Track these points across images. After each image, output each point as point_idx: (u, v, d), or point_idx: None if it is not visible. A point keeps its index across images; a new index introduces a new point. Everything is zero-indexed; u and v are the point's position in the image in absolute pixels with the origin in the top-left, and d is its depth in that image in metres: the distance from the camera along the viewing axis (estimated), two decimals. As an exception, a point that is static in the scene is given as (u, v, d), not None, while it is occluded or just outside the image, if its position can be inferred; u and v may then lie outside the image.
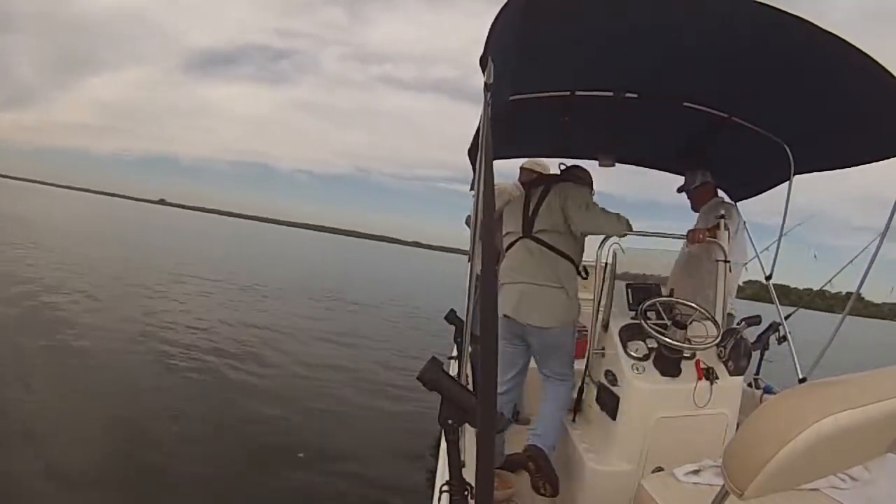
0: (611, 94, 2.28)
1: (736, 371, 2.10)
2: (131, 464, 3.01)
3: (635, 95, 2.28)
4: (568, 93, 2.31)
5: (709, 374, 2.01)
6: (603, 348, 2.21)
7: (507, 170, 3.26)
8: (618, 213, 2.27)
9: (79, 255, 11.82)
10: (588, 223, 2.25)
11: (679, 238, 2.46)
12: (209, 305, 8.52)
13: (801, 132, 2.29)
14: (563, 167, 2.62)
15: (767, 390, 2.60)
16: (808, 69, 1.77)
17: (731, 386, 2.07)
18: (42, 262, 9.66)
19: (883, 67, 1.58)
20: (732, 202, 2.92)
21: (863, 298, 2.31)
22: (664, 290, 2.42)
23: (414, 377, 1.10)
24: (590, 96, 2.32)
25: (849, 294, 2.35)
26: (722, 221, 2.39)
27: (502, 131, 1.44)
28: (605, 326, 2.22)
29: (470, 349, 1.58)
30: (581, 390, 2.34)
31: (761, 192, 2.92)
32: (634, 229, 2.29)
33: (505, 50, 1.40)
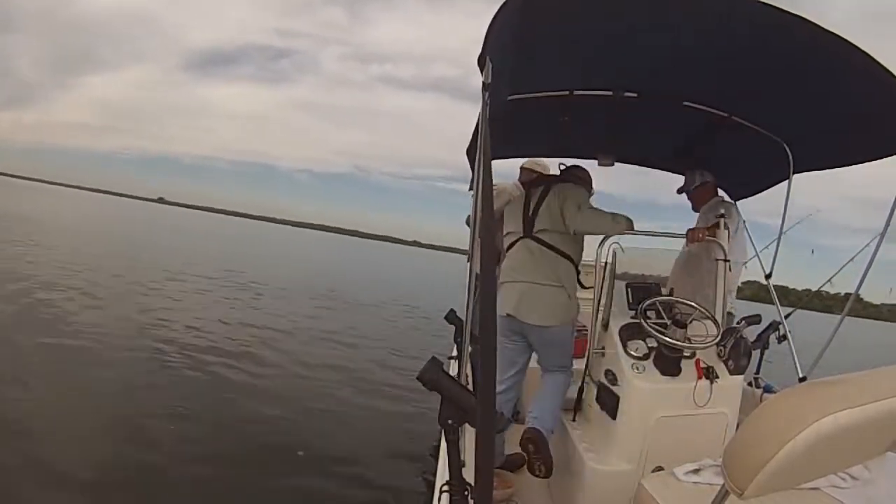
0: (610, 93, 2.28)
1: (736, 370, 2.10)
2: (129, 463, 2.99)
3: (634, 95, 2.28)
4: (567, 92, 2.31)
5: (709, 374, 2.00)
6: (603, 348, 2.21)
7: (507, 170, 3.27)
8: (614, 213, 2.29)
9: (71, 251, 11.83)
10: (581, 223, 2.29)
11: (679, 237, 2.46)
12: (207, 304, 8.50)
13: (801, 131, 2.29)
14: (562, 167, 2.64)
15: (767, 389, 2.60)
16: (810, 69, 1.77)
17: (731, 385, 2.07)
18: (41, 260, 9.66)
19: (884, 67, 1.58)
20: (732, 201, 2.92)
21: (861, 299, 2.31)
22: (664, 290, 2.43)
23: (413, 377, 1.10)
24: (589, 96, 2.32)
25: (847, 295, 2.36)
26: (722, 220, 2.38)
27: (501, 131, 1.44)
28: (605, 326, 2.22)
29: (470, 349, 1.58)
30: (581, 390, 2.34)
31: (761, 191, 2.92)
32: (634, 230, 2.30)
33: (503, 50, 1.40)
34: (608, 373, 2.10)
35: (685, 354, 2.02)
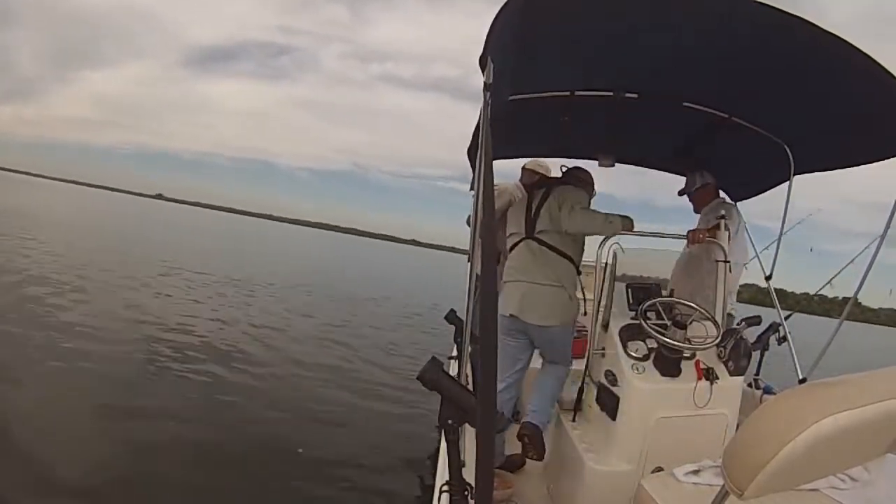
0: (610, 93, 2.29)
1: (736, 371, 2.10)
2: (123, 461, 2.95)
3: (635, 95, 2.28)
4: (567, 93, 2.32)
5: (709, 375, 2.01)
6: (603, 348, 2.21)
7: (508, 170, 3.27)
8: (607, 214, 2.32)
9: (66, 245, 11.82)
10: (572, 224, 2.33)
11: (679, 238, 2.46)
12: (203, 301, 8.47)
13: (802, 133, 2.29)
14: (564, 169, 2.66)
15: (767, 390, 2.61)
16: (810, 70, 1.77)
17: (731, 386, 2.07)
18: (36, 254, 9.65)
19: (885, 69, 1.58)
20: (732, 202, 2.92)
21: (860, 303, 2.32)
22: (664, 291, 2.43)
23: (411, 377, 1.10)
24: (589, 96, 2.32)
25: (845, 299, 2.36)
26: (722, 222, 2.39)
27: (502, 131, 1.44)
28: (605, 326, 2.23)
29: (470, 349, 1.58)
30: (581, 390, 2.34)
31: (761, 192, 2.93)
32: (634, 231, 2.30)
33: (504, 50, 1.40)
34: (608, 373, 2.10)
35: (685, 355, 2.02)
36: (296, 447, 3.54)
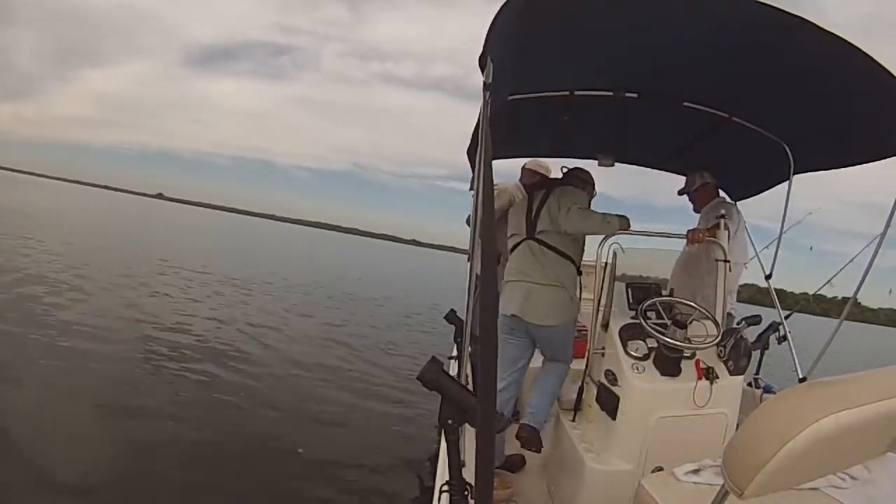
0: (610, 93, 2.29)
1: (736, 371, 2.10)
2: (122, 462, 2.95)
3: (635, 95, 2.29)
4: (567, 92, 2.32)
5: (709, 374, 2.01)
6: (603, 348, 2.22)
7: (508, 170, 3.27)
8: (604, 213, 2.32)
9: (66, 245, 11.80)
10: (568, 224, 2.34)
11: (679, 238, 2.47)
12: (202, 301, 8.47)
13: (802, 132, 2.29)
14: (565, 170, 2.67)
15: (767, 390, 2.61)
16: (810, 70, 1.77)
17: (731, 385, 2.07)
18: (35, 254, 9.64)
19: (885, 68, 1.58)
20: (732, 202, 2.92)
21: (859, 303, 2.32)
22: (664, 290, 2.43)
23: (411, 377, 1.10)
24: (589, 96, 2.32)
25: (844, 299, 2.36)
26: (722, 221, 2.39)
27: (502, 131, 1.43)
28: (605, 326, 2.23)
29: (470, 349, 1.58)
30: (581, 390, 2.34)
31: (761, 192, 2.93)
32: (634, 231, 2.30)
33: (504, 49, 1.40)
34: (608, 373, 2.10)
35: (685, 355, 2.02)
36: (296, 447, 3.54)
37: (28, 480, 2.63)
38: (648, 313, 2.11)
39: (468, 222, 2.44)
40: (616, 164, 2.89)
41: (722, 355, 2.11)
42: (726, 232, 2.35)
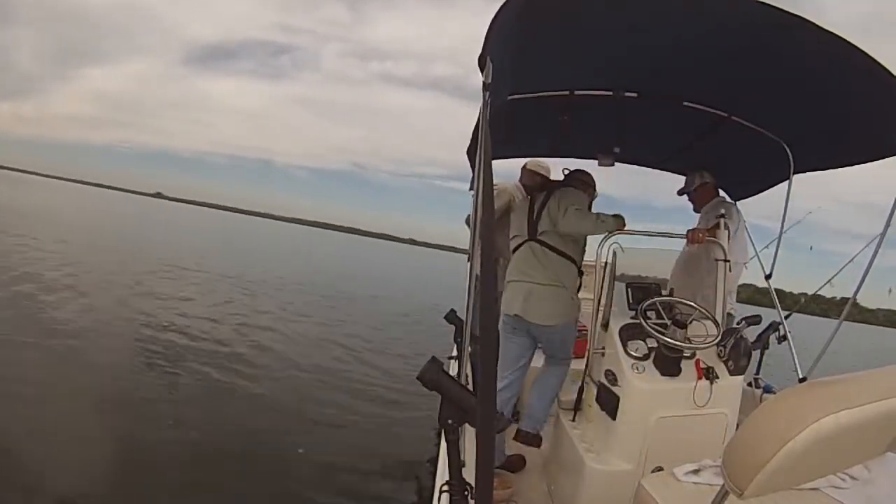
0: (610, 93, 2.29)
1: (736, 370, 2.10)
2: (120, 462, 2.94)
3: (635, 94, 2.29)
4: (567, 92, 2.32)
5: (709, 374, 2.01)
6: (603, 348, 2.22)
7: (507, 170, 3.27)
8: (599, 214, 2.34)
9: (65, 244, 11.81)
10: (565, 224, 2.36)
11: (679, 237, 2.47)
12: (200, 300, 8.47)
13: (801, 132, 2.29)
14: (566, 171, 2.68)
15: (767, 390, 2.61)
16: (810, 69, 1.77)
17: (731, 385, 2.07)
18: (35, 253, 9.63)
19: (884, 68, 1.58)
20: (732, 202, 2.92)
21: (858, 304, 2.32)
22: (664, 290, 2.44)
23: (411, 377, 1.10)
24: (589, 95, 2.32)
25: (844, 299, 2.36)
26: (722, 221, 2.39)
27: (501, 131, 1.43)
28: (605, 326, 2.23)
29: (470, 349, 1.57)
30: (581, 390, 2.34)
31: (761, 192, 2.93)
32: (634, 230, 2.30)
33: (504, 49, 1.40)
34: (608, 373, 2.10)
35: (685, 355, 2.02)
36: (295, 447, 3.54)
37: (28, 480, 2.63)
38: (648, 313, 2.11)
39: (468, 222, 2.44)
40: (616, 163, 2.89)
41: (722, 355, 2.11)
42: (726, 232, 2.35)
